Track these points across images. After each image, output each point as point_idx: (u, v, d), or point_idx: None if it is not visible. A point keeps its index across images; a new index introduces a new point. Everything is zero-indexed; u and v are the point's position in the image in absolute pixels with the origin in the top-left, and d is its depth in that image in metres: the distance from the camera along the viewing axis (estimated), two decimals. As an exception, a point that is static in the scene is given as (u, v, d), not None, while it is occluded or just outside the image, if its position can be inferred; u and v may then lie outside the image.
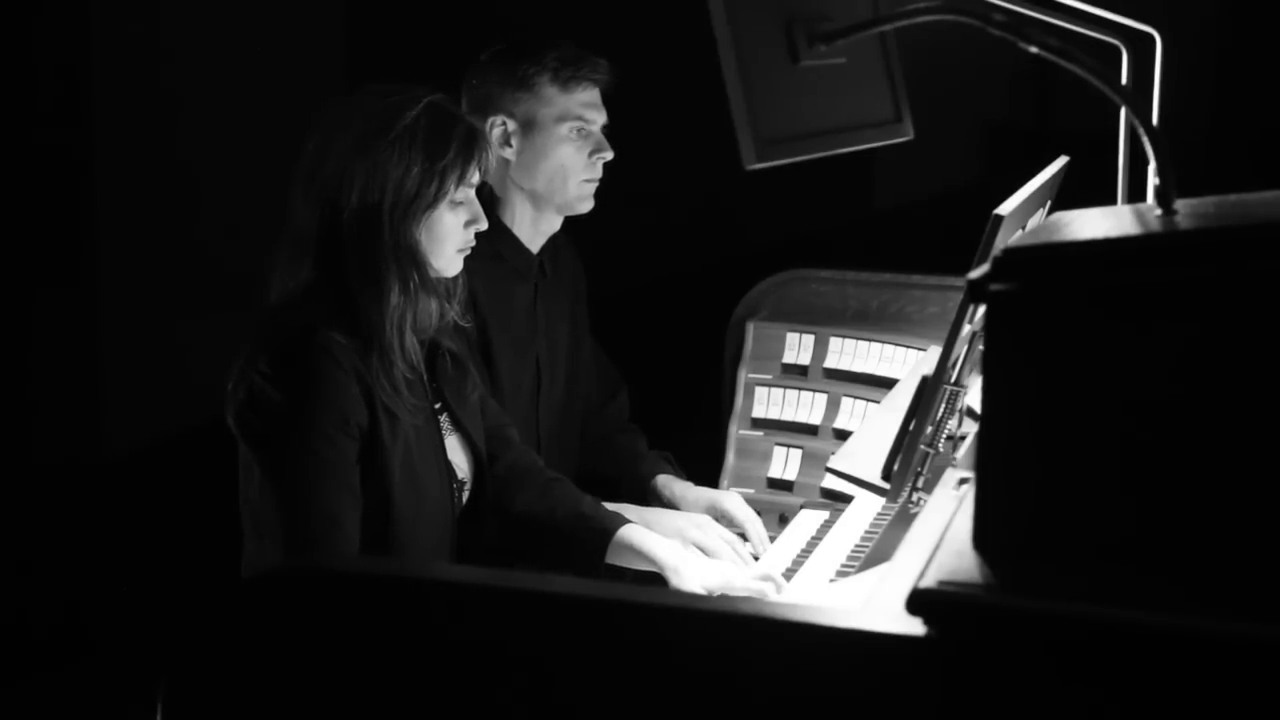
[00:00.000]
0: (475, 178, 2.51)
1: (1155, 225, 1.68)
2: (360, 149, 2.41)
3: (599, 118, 2.98)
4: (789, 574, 2.61)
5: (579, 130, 2.95)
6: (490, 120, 2.95)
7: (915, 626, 1.53)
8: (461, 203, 2.49)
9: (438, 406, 2.60)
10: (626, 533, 2.60)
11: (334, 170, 2.42)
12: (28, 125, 5.30)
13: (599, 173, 3.00)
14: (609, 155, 2.99)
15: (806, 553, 2.70)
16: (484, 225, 2.53)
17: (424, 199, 2.44)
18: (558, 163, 2.96)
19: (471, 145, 2.49)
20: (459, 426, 2.64)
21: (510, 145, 2.96)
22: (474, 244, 2.54)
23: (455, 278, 2.56)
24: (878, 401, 2.98)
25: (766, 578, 2.52)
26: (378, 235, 2.42)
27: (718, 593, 2.51)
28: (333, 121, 2.46)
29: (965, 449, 2.49)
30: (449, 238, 2.49)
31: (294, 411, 2.36)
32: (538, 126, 2.95)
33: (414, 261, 2.45)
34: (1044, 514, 1.57)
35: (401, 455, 2.46)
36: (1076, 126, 5.52)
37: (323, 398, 2.37)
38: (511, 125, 2.95)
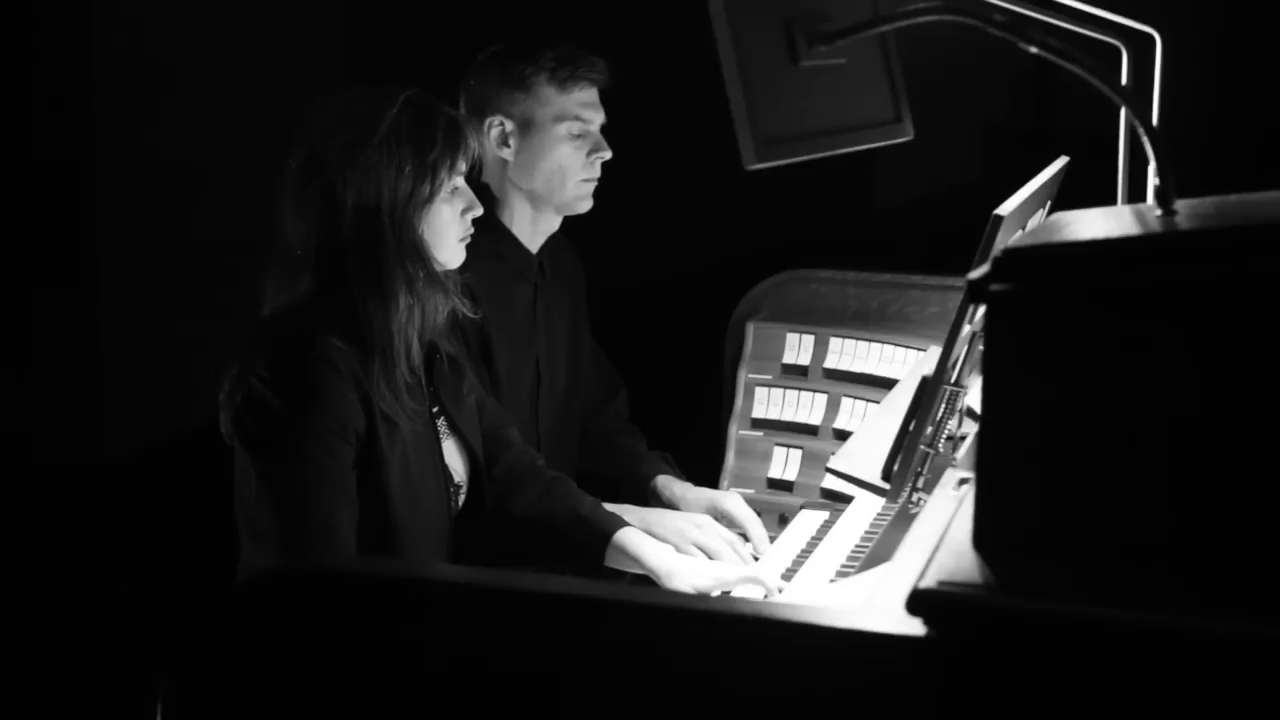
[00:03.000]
0: (464, 165, 2.50)
1: (1155, 225, 1.68)
2: (348, 157, 2.40)
3: (597, 117, 2.98)
4: (789, 574, 2.61)
5: (577, 130, 2.95)
6: (488, 121, 2.95)
7: (915, 626, 1.53)
8: (456, 190, 2.49)
9: (435, 410, 2.60)
10: (622, 537, 2.61)
11: (325, 181, 2.41)
12: (28, 125, 5.29)
13: (597, 172, 3.00)
14: (607, 155, 2.99)
15: (806, 553, 2.70)
16: (479, 211, 2.53)
17: (420, 195, 2.44)
18: (556, 163, 2.96)
19: (456, 133, 2.48)
20: (455, 430, 2.64)
21: (508, 145, 2.96)
22: (473, 231, 2.54)
23: (454, 273, 2.56)
24: (878, 401, 2.98)
25: (758, 580, 2.52)
26: (380, 239, 2.41)
27: (713, 594, 2.51)
28: (313, 133, 2.45)
29: (965, 449, 2.49)
30: (449, 228, 2.49)
31: (292, 417, 2.36)
32: (535, 127, 2.94)
33: (419, 259, 2.45)
34: (1044, 514, 1.57)
35: (399, 461, 2.46)
36: (1076, 127, 5.51)
37: (321, 404, 2.36)
38: (509, 126, 2.95)
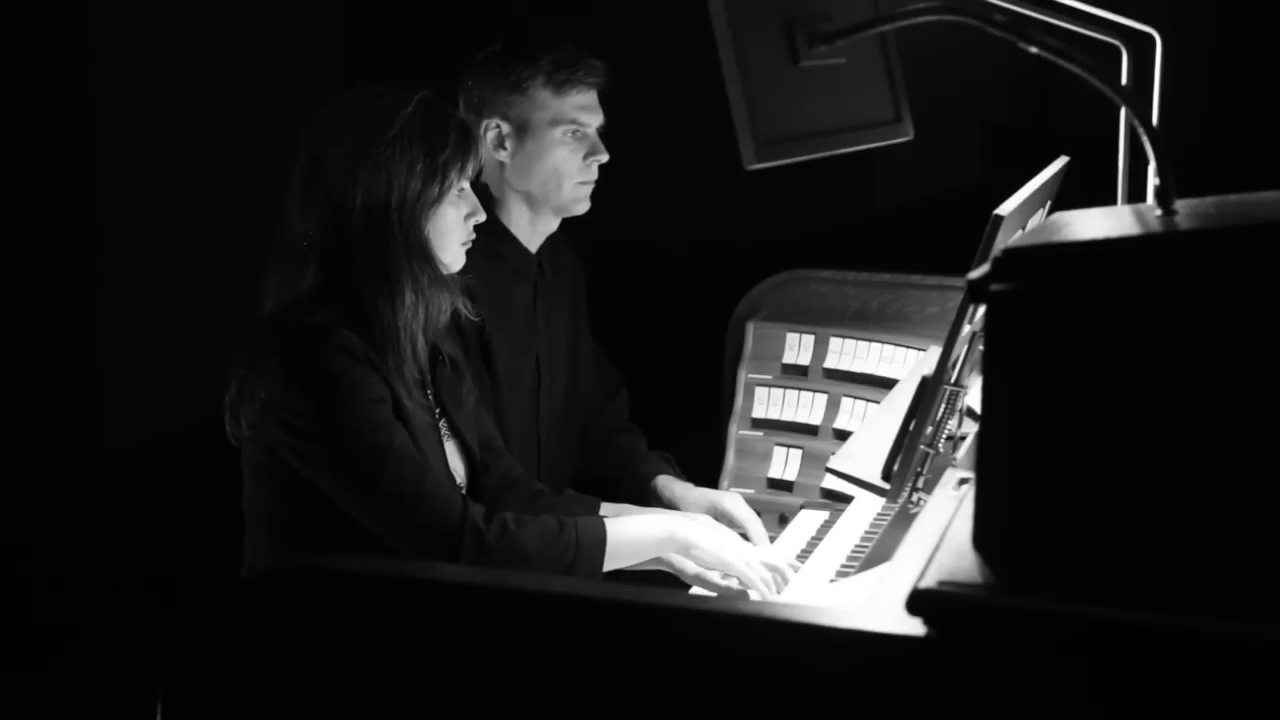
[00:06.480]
0: (473, 169, 2.51)
1: (1155, 225, 1.68)
2: (360, 153, 2.40)
3: (594, 120, 2.97)
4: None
5: (573, 134, 2.94)
6: (485, 123, 2.94)
7: (915, 626, 1.53)
8: (462, 193, 2.50)
9: (437, 412, 2.60)
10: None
11: (334, 176, 2.41)
12: (28, 126, 5.30)
13: (594, 175, 2.99)
14: (604, 158, 2.98)
15: (806, 553, 2.70)
16: (482, 217, 2.54)
17: (429, 195, 2.44)
18: (552, 166, 2.95)
19: (467, 137, 2.50)
20: (456, 432, 2.64)
21: (505, 148, 2.95)
22: (474, 236, 2.55)
23: (456, 274, 2.56)
24: (878, 401, 2.98)
25: (775, 567, 2.54)
26: (388, 236, 2.41)
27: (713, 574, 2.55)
28: (324, 129, 2.45)
29: (965, 449, 2.49)
30: (453, 232, 2.50)
31: (329, 417, 2.35)
32: (531, 130, 2.94)
33: (424, 258, 2.45)
34: (1044, 514, 1.57)
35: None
36: (1076, 126, 5.52)
37: (352, 390, 2.35)
38: (506, 128, 2.94)
